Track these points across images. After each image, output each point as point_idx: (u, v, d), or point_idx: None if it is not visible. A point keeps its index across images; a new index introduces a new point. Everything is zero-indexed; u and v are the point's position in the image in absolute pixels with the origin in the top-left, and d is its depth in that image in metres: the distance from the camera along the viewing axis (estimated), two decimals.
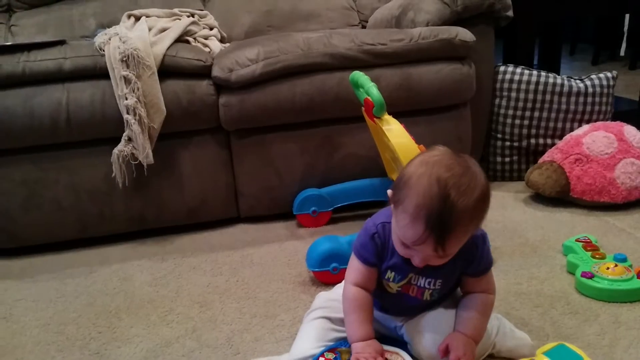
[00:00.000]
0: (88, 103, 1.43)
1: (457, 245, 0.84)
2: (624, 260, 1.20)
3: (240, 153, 1.57)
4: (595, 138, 1.61)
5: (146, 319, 1.18)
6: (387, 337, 1.00)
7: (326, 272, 1.25)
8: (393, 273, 0.94)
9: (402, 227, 0.83)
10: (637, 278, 1.14)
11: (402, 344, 0.98)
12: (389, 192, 0.87)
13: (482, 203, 0.82)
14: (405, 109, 1.53)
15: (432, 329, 0.94)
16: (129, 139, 1.43)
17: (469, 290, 0.95)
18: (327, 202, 1.59)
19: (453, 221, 0.79)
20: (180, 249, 1.51)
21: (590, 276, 1.16)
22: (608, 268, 1.17)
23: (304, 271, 1.32)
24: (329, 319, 0.99)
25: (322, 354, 0.93)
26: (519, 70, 1.78)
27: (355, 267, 0.95)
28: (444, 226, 0.79)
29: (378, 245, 0.92)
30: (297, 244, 1.48)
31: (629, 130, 1.63)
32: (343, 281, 0.98)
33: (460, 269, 0.92)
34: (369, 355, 0.89)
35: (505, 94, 1.79)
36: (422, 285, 0.94)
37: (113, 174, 1.46)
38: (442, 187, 0.79)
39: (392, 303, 0.99)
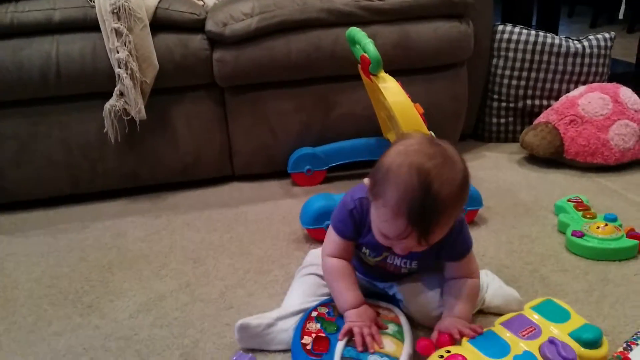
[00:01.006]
0: (78, 56, 1.40)
1: (441, 234, 0.82)
2: (614, 220, 1.21)
3: (234, 110, 1.55)
4: (590, 99, 1.60)
5: (139, 274, 1.19)
6: (377, 294, 1.01)
7: (320, 230, 1.25)
8: (368, 250, 0.93)
9: (383, 221, 0.81)
10: (626, 237, 1.16)
11: (392, 301, 0.99)
12: (366, 181, 0.84)
13: (463, 191, 0.80)
14: (401, 67, 1.51)
15: (425, 290, 0.94)
16: (121, 94, 1.41)
17: (452, 276, 0.93)
18: (322, 161, 1.59)
19: (437, 213, 0.77)
20: (174, 206, 1.51)
21: (581, 235, 1.17)
22: (598, 227, 1.18)
23: (298, 229, 1.32)
24: (320, 276, 1.00)
25: (315, 308, 0.94)
26: (517, 29, 1.75)
27: (332, 240, 0.94)
28: (427, 219, 0.77)
29: (357, 220, 0.90)
30: (291, 202, 1.48)
31: (624, 92, 1.62)
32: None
33: (436, 251, 0.90)
34: (364, 324, 0.87)
35: (502, 53, 1.77)
36: (397, 264, 0.94)
37: (105, 129, 1.44)
38: (424, 179, 0.75)
39: (373, 272, 0.99)
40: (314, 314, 0.93)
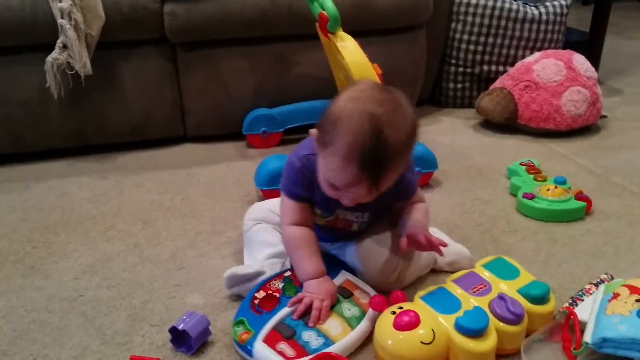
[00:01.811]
0: (17, 4, 1.31)
1: (391, 182, 0.81)
2: (563, 182, 1.24)
3: (187, 67, 1.50)
4: (545, 65, 1.62)
5: (85, 235, 1.14)
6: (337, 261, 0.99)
7: (275, 191, 1.23)
8: (320, 210, 0.92)
9: (332, 169, 0.78)
10: (575, 199, 1.19)
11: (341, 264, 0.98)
12: (313, 132, 0.82)
13: (412, 138, 0.79)
14: (360, 28, 1.46)
15: (380, 255, 0.92)
16: (64, 46, 1.33)
17: (403, 206, 0.94)
18: (278, 122, 1.55)
19: (387, 159, 0.76)
20: (123, 166, 1.46)
21: (531, 197, 1.19)
22: (548, 190, 1.20)
23: (252, 190, 1.30)
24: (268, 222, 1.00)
25: (290, 268, 0.92)
26: None
27: (288, 206, 0.90)
28: (377, 165, 0.76)
29: (308, 177, 0.87)
30: (246, 164, 1.45)
31: (577, 58, 1.65)
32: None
33: (389, 199, 0.89)
34: (317, 297, 0.83)
35: (461, 17, 1.76)
36: (349, 219, 0.92)
37: (47, 84, 1.36)
38: (375, 126, 0.74)
39: (322, 233, 0.97)
40: (287, 273, 0.91)
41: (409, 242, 0.86)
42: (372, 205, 0.88)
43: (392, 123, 0.75)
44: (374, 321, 0.82)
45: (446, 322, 0.77)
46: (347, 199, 0.82)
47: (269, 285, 0.89)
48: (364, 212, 0.92)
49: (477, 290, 0.84)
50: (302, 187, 0.88)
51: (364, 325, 0.82)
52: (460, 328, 0.75)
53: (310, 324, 0.81)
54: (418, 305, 0.81)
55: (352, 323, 0.82)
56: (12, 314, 0.91)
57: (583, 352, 0.75)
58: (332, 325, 0.82)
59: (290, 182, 0.89)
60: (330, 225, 0.94)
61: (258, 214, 1.03)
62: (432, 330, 0.75)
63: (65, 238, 1.13)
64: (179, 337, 0.82)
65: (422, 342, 0.74)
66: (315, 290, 0.85)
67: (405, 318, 0.76)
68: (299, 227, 0.90)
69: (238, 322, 0.82)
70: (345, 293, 0.88)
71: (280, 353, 0.77)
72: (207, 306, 0.92)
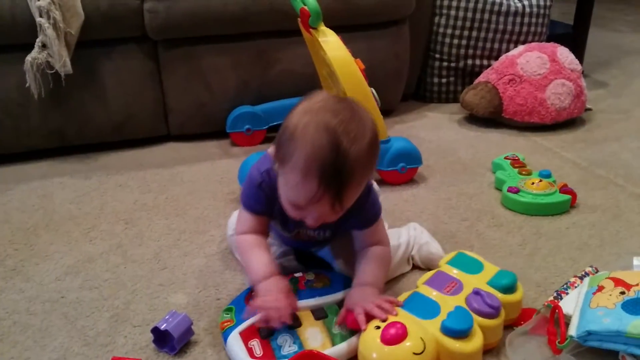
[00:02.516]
0: None
1: (354, 197, 0.77)
2: (548, 176, 1.24)
3: (168, 65, 1.48)
4: (529, 58, 1.62)
5: (67, 236, 1.13)
6: (307, 255, 0.98)
7: None
8: (279, 226, 0.90)
9: (293, 187, 0.75)
10: (560, 192, 1.19)
11: (320, 261, 0.98)
12: (270, 149, 0.79)
13: (373, 149, 0.76)
14: (342, 23, 1.46)
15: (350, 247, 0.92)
16: (44, 46, 1.31)
17: (362, 245, 0.89)
18: (262, 120, 1.54)
19: (348, 171, 0.72)
20: (106, 166, 1.44)
21: (516, 191, 1.19)
22: (533, 183, 1.20)
23: (237, 188, 1.29)
24: None
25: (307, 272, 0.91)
26: None
27: (244, 219, 0.88)
28: (339, 178, 0.72)
29: (267, 192, 0.84)
30: (230, 162, 1.44)
31: (561, 51, 1.65)
32: None
33: (347, 219, 0.85)
34: (273, 309, 0.78)
35: (445, 11, 1.75)
36: (311, 234, 0.90)
37: (27, 84, 1.34)
38: (332, 135, 0.70)
39: (289, 241, 0.95)
40: (298, 274, 0.90)
41: (347, 319, 0.80)
42: (333, 225, 0.86)
43: (349, 133, 0.72)
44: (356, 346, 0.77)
45: (431, 327, 0.75)
46: (311, 219, 0.78)
47: None
48: (325, 231, 0.89)
49: (450, 289, 0.82)
50: (260, 202, 0.86)
51: (344, 345, 0.78)
52: (448, 331, 0.74)
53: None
54: (401, 315, 0.77)
55: (335, 340, 0.78)
56: None
57: (568, 345, 0.75)
58: (314, 335, 0.79)
59: (249, 196, 0.87)
60: (296, 238, 0.93)
61: None
62: (421, 338, 0.73)
63: (47, 239, 1.12)
64: (161, 338, 0.81)
65: (414, 353, 0.71)
66: (267, 293, 0.80)
67: (392, 331, 0.73)
68: (249, 234, 0.88)
69: (227, 309, 0.84)
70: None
71: (249, 350, 0.76)
72: (190, 306, 0.91)
